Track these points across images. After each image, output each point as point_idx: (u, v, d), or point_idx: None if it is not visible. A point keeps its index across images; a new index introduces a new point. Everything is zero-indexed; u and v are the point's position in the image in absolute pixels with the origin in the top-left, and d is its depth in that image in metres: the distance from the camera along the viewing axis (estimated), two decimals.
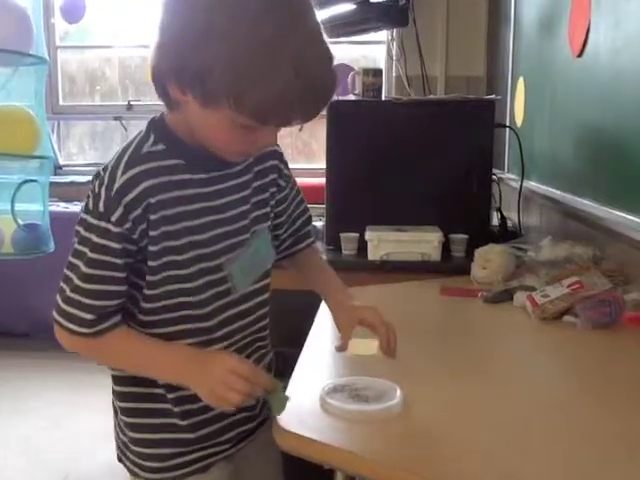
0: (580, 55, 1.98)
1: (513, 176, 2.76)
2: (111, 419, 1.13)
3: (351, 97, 2.42)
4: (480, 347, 1.35)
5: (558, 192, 2.18)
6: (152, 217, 0.96)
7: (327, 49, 0.91)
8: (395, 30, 3.75)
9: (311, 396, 1.03)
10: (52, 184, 3.54)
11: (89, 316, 0.97)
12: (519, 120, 2.75)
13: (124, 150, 0.99)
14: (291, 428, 0.94)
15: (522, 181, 2.32)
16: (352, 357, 1.15)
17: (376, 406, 0.99)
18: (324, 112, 0.97)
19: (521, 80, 2.79)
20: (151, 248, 0.97)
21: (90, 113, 4.42)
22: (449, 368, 1.20)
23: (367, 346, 1.04)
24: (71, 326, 0.98)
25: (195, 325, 1.03)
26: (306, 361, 1.23)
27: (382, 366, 1.10)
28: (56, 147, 4.33)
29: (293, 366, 1.21)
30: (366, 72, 2.21)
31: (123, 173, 0.95)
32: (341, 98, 2.51)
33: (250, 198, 1.07)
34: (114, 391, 1.10)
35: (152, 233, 0.97)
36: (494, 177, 2.30)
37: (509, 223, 2.42)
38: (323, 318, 1.44)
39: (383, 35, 3.92)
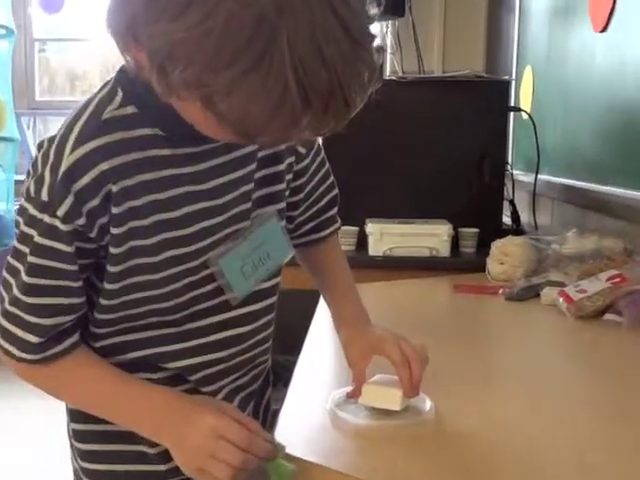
0: (604, 30, 1.80)
1: (518, 172, 2.58)
2: None
3: None
4: (511, 350, 1.15)
5: (576, 182, 1.99)
6: (114, 210, 0.71)
7: (360, 29, 0.59)
8: (390, 22, 3.59)
9: (317, 410, 0.82)
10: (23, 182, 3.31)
11: (33, 338, 0.74)
12: None
13: (79, 113, 0.72)
14: (294, 452, 0.72)
15: (537, 170, 2.13)
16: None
17: (402, 421, 0.77)
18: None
19: (528, 69, 2.63)
20: (113, 250, 0.73)
21: (68, 109, 4.20)
22: (480, 375, 0.99)
23: (387, 397, 0.79)
24: (12, 349, 0.75)
25: (163, 331, 0.80)
26: (306, 367, 1.02)
27: None
28: (32, 145, 4.10)
29: (285, 377, 0.99)
30: None
31: (73, 149, 0.69)
32: None
33: (255, 173, 0.81)
34: (66, 408, 0.86)
35: (115, 230, 0.72)
36: (507, 166, 2.11)
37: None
38: (322, 318, 1.23)
39: (376, 28, 3.75)
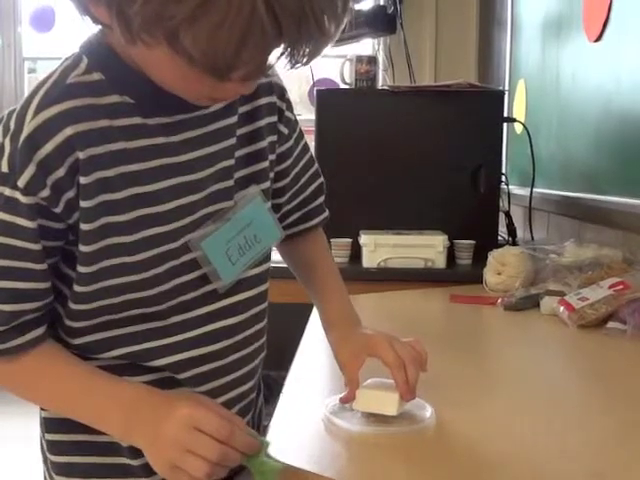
0: (598, 39, 1.78)
1: (512, 186, 2.55)
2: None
3: (342, 87, 2.20)
4: (512, 359, 1.11)
5: (572, 194, 1.96)
6: (83, 180, 0.67)
7: None
8: (382, 40, 3.59)
9: (310, 417, 0.77)
10: None
11: None
12: (519, 126, 2.56)
13: (42, 82, 0.68)
14: (288, 460, 0.67)
15: (533, 181, 2.10)
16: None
17: (401, 428, 0.73)
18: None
19: (521, 83, 2.62)
20: (84, 226, 0.68)
21: None
22: (482, 384, 0.95)
23: (383, 401, 0.74)
24: None
25: (148, 325, 0.74)
26: (299, 374, 0.97)
27: None
28: None
29: (278, 392, 0.94)
30: (359, 59, 1.99)
31: (35, 114, 0.65)
32: (331, 87, 2.28)
33: (235, 150, 0.76)
34: (40, 418, 0.80)
35: (85, 204, 0.67)
36: (503, 177, 2.08)
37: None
38: (314, 327, 1.18)
39: (368, 48, 3.76)
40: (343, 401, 0.78)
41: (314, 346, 1.08)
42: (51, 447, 0.79)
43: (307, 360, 1.03)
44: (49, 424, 0.79)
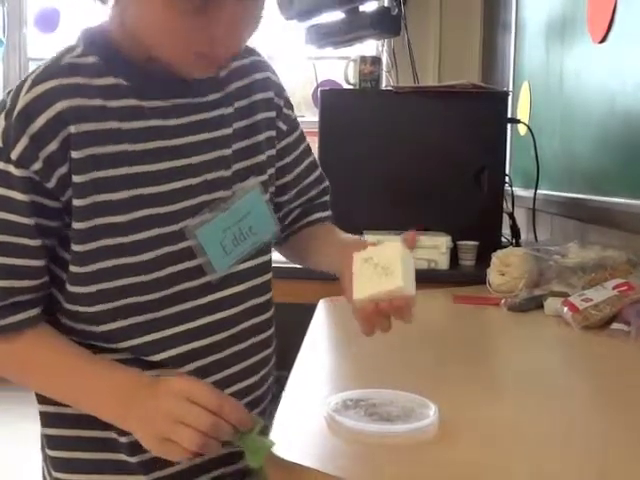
0: (603, 40, 1.78)
1: (516, 188, 2.55)
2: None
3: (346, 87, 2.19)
4: (516, 360, 1.10)
5: (576, 195, 1.96)
6: (75, 155, 0.67)
7: None
8: (386, 42, 3.59)
9: (313, 414, 0.77)
10: None
11: None
12: (523, 127, 2.56)
13: (39, 65, 0.70)
14: (289, 457, 0.67)
15: (537, 181, 2.10)
16: (362, 363, 0.88)
17: (404, 426, 0.72)
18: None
19: (526, 85, 2.61)
20: (77, 202, 0.68)
21: None
22: (485, 384, 0.95)
23: (383, 256, 0.73)
24: None
25: (146, 317, 0.74)
26: (302, 373, 0.96)
27: (402, 382, 0.84)
28: None
29: (277, 392, 0.93)
30: (363, 60, 1.99)
31: (29, 89, 0.67)
32: (335, 88, 2.28)
33: (231, 141, 0.77)
34: (40, 412, 0.80)
35: (77, 179, 0.68)
36: (507, 179, 2.08)
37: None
38: (317, 327, 1.18)
39: (372, 49, 3.76)
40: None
41: (316, 345, 1.08)
42: (49, 442, 0.80)
43: (309, 359, 1.02)
44: (47, 418, 0.79)
